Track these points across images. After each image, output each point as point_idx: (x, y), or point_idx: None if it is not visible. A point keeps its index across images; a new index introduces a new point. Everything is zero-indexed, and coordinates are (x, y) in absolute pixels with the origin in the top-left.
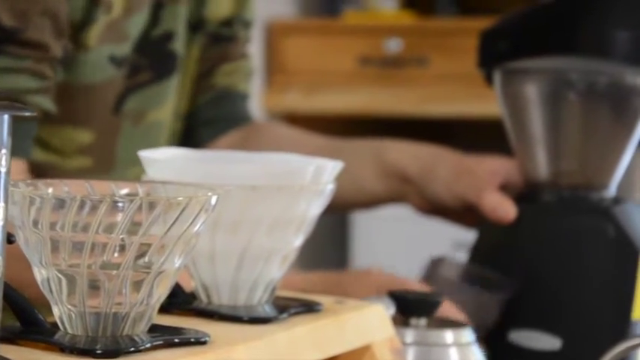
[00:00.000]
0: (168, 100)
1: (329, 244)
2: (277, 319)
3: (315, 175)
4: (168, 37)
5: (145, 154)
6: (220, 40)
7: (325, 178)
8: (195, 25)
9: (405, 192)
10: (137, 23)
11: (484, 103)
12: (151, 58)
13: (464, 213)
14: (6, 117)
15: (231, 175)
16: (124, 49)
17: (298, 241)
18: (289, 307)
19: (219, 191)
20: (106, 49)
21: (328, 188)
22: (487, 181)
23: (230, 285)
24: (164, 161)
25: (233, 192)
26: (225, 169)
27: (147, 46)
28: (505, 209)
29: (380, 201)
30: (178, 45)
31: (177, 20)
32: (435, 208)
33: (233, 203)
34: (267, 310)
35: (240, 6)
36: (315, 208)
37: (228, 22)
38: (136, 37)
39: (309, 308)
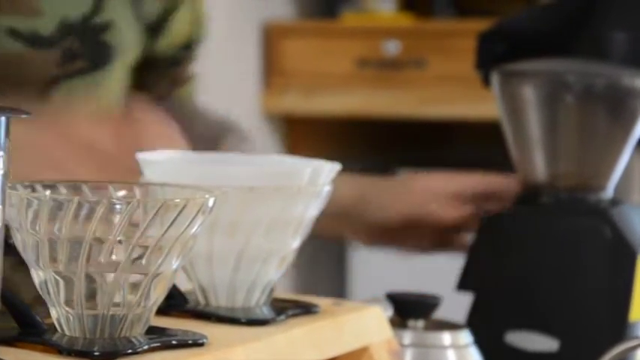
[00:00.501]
0: (101, 95)
1: (326, 246)
2: (275, 320)
3: (312, 177)
4: (107, 26)
5: (142, 156)
6: (176, 62)
7: (322, 179)
8: (146, 62)
9: (341, 226)
10: (55, 2)
11: (482, 104)
12: (90, 47)
13: (418, 233)
14: (3, 119)
15: (229, 177)
16: (35, 24)
17: (296, 242)
18: (287, 309)
19: (216, 193)
20: (2, 18)
21: (325, 190)
22: (433, 195)
23: (227, 287)
24: (161, 163)
25: (230, 193)
26: (222, 171)
27: (86, 33)
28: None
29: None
30: (117, 37)
31: (119, 12)
32: (380, 233)
33: (230, 205)
34: (265, 312)
35: (197, 29)
36: (312, 209)
37: (185, 47)
38: (70, 21)
39: (306, 310)
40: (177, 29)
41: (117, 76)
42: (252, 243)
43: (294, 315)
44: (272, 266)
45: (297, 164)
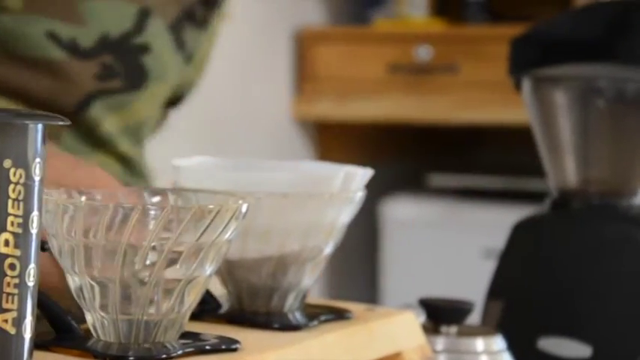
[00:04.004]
0: (131, 116)
1: (359, 252)
2: (308, 326)
3: (344, 183)
4: (145, 48)
5: (176, 162)
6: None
7: (355, 185)
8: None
9: None
10: (99, 11)
11: (514, 110)
12: (127, 66)
13: None
14: (40, 126)
15: (262, 183)
16: (76, 33)
17: (329, 248)
18: (319, 315)
19: (249, 199)
20: (42, 20)
21: (358, 195)
22: None
23: (261, 292)
24: (195, 169)
25: (264, 200)
26: (256, 177)
27: (124, 51)
28: None
29: None
30: (154, 61)
31: (159, 36)
32: None
33: (264, 211)
34: (298, 318)
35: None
36: (345, 215)
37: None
38: (110, 37)
39: (339, 315)
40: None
41: (150, 99)
42: (287, 249)
43: (327, 320)
44: (305, 272)
45: (330, 170)
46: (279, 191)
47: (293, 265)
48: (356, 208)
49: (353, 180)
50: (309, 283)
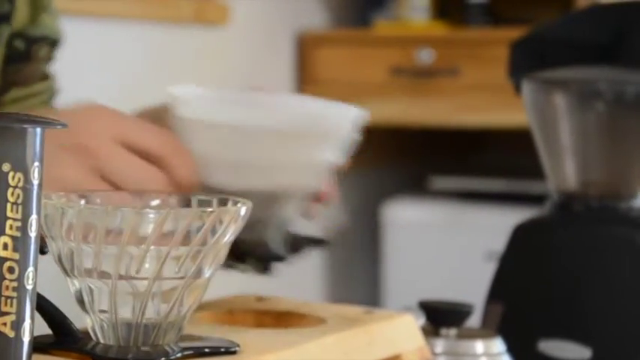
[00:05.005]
0: None
1: (361, 255)
2: (292, 257)
3: (338, 122)
4: None
5: (174, 91)
6: (13, 59)
7: (347, 124)
8: None
9: None
10: None
11: (516, 112)
12: None
13: None
14: (39, 131)
15: (259, 118)
16: None
17: (316, 184)
18: (300, 244)
19: (248, 203)
20: None
21: (348, 134)
22: None
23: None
24: (194, 101)
25: (259, 134)
26: (253, 113)
27: None
28: None
29: None
30: None
31: None
32: None
33: (257, 145)
34: (281, 248)
35: (34, 19)
36: (336, 154)
37: (19, 35)
38: None
39: (319, 243)
40: (19, 10)
41: None
42: (278, 183)
43: (310, 248)
44: (293, 206)
45: (325, 108)
46: (269, 127)
47: (281, 199)
48: (347, 147)
49: (346, 119)
50: (294, 216)
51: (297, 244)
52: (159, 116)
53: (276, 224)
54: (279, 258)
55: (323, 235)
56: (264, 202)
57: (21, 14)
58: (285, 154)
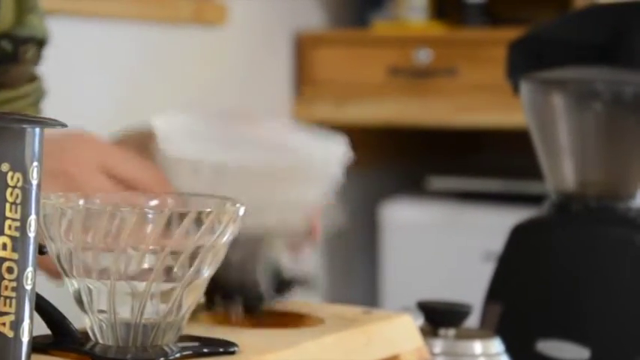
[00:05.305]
0: None
1: (359, 255)
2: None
3: (324, 158)
4: None
5: (157, 121)
6: (0, 60)
7: (334, 161)
8: None
9: None
10: None
11: (514, 113)
12: None
13: None
14: (37, 131)
15: (246, 159)
16: None
17: (303, 222)
18: (288, 285)
19: (247, 205)
20: None
21: (334, 171)
22: None
23: (236, 264)
24: (179, 134)
25: (247, 173)
26: (240, 154)
27: None
28: None
29: None
30: None
31: None
32: None
33: (245, 184)
34: (269, 290)
35: (20, 19)
36: (322, 191)
37: (6, 36)
38: None
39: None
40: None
41: None
42: (266, 223)
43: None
44: (281, 245)
45: (311, 144)
46: (260, 168)
47: (269, 238)
48: (333, 184)
49: (332, 155)
50: (282, 256)
51: (285, 284)
52: (144, 143)
53: (264, 265)
54: (268, 299)
55: (309, 274)
56: (252, 242)
57: (7, 15)
58: (271, 193)
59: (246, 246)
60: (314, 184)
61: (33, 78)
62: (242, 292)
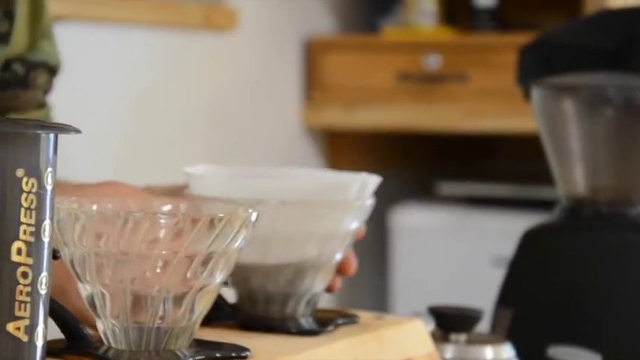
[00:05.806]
0: None
1: (369, 260)
2: (324, 331)
3: (359, 190)
4: None
5: (189, 170)
6: (11, 84)
7: (368, 193)
8: None
9: None
10: None
11: (524, 118)
12: None
13: None
14: (52, 136)
15: (277, 191)
16: None
17: (340, 255)
18: (333, 319)
19: (259, 208)
20: None
21: (369, 203)
22: None
23: (278, 298)
24: (209, 178)
25: (286, 207)
26: (271, 186)
27: None
28: None
29: None
30: None
31: None
32: None
33: (286, 218)
34: (311, 323)
35: (33, 45)
36: (357, 222)
37: (18, 60)
38: None
39: (350, 320)
40: (18, 35)
41: None
42: (306, 255)
43: (340, 325)
44: (320, 277)
45: (346, 178)
46: (298, 199)
47: (310, 271)
48: (367, 215)
49: (366, 188)
50: (322, 288)
51: (326, 318)
52: (177, 192)
53: (306, 298)
54: (311, 333)
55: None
56: (294, 275)
57: (20, 39)
58: (312, 225)
59: (290, 280)
60: (351, 214)
61: (42, 105)
62: (285, 327)
